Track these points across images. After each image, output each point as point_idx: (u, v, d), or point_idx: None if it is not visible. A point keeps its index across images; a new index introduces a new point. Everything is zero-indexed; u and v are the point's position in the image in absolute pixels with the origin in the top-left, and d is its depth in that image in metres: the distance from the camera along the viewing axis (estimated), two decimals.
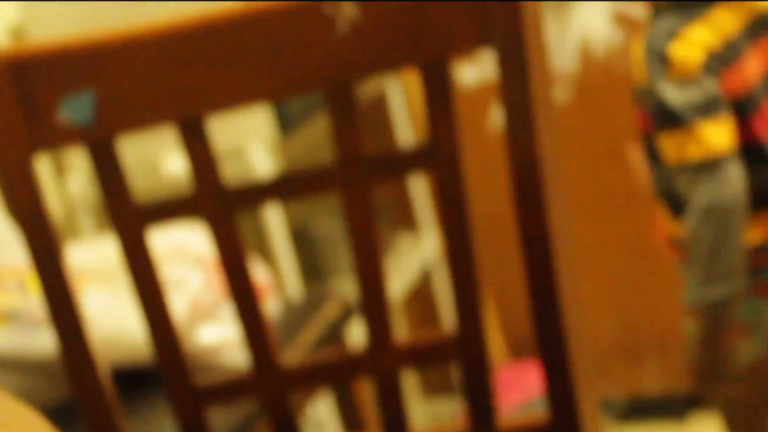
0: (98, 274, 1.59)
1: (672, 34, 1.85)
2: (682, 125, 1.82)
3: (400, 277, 2.70)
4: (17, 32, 2.33)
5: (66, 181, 2.35)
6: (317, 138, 2.35)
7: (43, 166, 2.26)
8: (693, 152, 1.82)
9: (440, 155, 1.10)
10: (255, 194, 1.16)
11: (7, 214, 1.91)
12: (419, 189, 2.86)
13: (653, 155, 1.92)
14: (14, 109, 1.10)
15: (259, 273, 1.62)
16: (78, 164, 2.31)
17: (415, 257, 2.81)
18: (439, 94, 1.09)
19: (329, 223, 2.65)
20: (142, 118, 1.11)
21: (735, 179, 1.81)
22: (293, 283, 2.27)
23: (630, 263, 2.85)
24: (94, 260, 1.62)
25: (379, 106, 2.79)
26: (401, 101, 2.83)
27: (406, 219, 2.89)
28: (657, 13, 1.90)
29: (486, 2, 1.06)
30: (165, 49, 1.10)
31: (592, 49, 2.77)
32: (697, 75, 1.83)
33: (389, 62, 1.08)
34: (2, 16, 2.33)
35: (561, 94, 2.78)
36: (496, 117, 2.80)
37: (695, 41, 1.84)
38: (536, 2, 1.10)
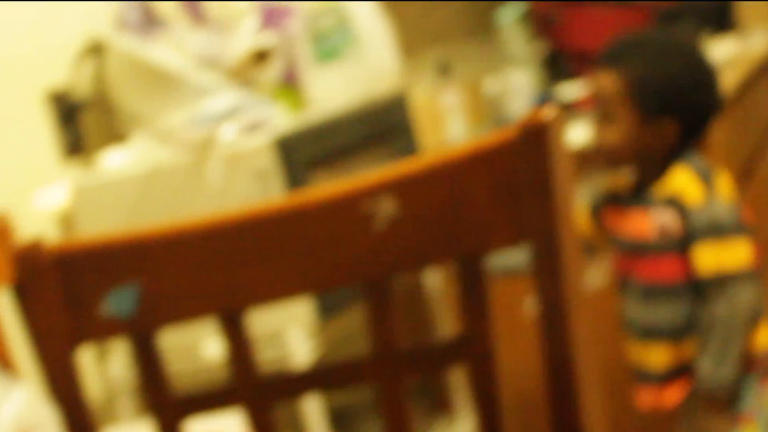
0: None
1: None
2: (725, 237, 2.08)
3: None
4: (66, 219, 2.38)
5: (107, 363, 2.37)
6: (357, 323, 2.37)
7: (85, 350, 2.29)
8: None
9: (474, 349, 1.12)
10: (291, 385, 1.18)
11: (46, 396, 1.93)
12: (454, 372, 2.85)
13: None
14: (59, 301, 1.13)
15: None
16: (119, 348, 2.33)
17: None
18: (474, 288, 1.11)
19: (366, 403, 2.65)
20: (183, 311, 1.13)
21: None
22: None
23: None
24: None
25: (417, 289, 2.80)
26: (439, 286, 2.84)
27: (441, 401, 2.88)
28: None
29: (521, 200, 1.08)
30: (207, 244, 1.13)
31: None
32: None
33: (425, 258, 1.11)
34: (51, 204, 2.38)
35: (600, 277, 2.78)
36: (530, 301, 2.80)
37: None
38: (570, 196, 1.13)
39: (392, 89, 2.59)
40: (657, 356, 2.16)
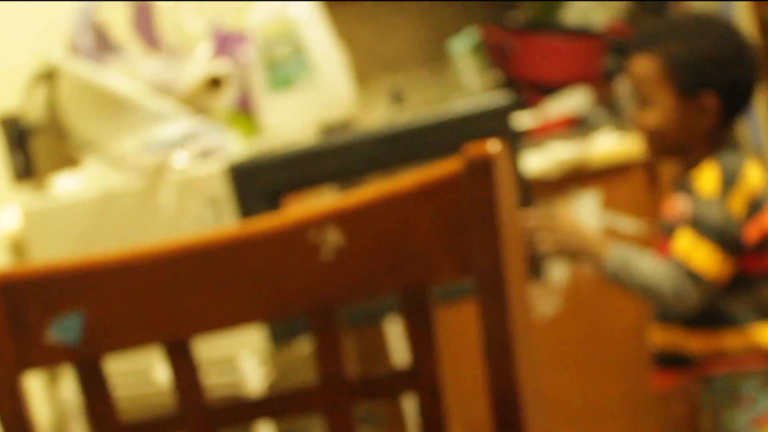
0: None
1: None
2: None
3: None
4: (16, 244, 2.37)
5: (59, 386, 2.36)
6: (311, 351, 2.37)
7: (36, 374, 2.27)
8: None
9: (422, 379, 1.13)
10: (239, 412, 1.18)
11: None
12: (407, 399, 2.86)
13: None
14: (4, 327, 1.13)
15: None
16: (71, 371, 2.32)
17: None
18: (419, 320, 1.11)
19: (317, 428, 2.65)
20: (129, 339, 1.13)
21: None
22: None
23: None
24: None
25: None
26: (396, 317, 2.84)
27: (396, 426, 2.88)
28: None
29: (466, 232, 1.09)
30: (154, 271, 1.13)
31: None
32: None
33: (371, 288, 1.11)
34: (1, 228, 2.37)
35: (552, 305, 2.80)
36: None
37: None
38: (515, 228, 1.14)
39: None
40: (654, 335, 2.21)
